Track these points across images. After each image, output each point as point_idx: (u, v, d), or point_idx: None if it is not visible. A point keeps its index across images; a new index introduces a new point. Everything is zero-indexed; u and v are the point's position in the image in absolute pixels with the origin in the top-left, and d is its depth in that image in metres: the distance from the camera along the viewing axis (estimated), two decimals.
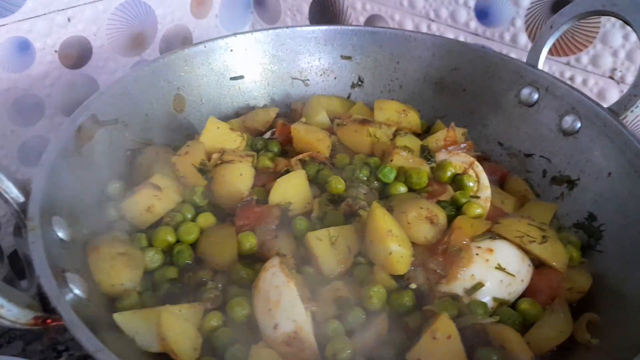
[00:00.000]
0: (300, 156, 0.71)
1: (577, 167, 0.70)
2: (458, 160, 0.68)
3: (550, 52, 0.88)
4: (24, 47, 0.87)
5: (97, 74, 1.00)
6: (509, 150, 0.79)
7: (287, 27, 0.83)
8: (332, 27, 0.85)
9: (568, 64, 0.89)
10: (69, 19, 0.91)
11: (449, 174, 0.66)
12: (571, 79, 0.89)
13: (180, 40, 1.11)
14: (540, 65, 0.78)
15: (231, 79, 0.82)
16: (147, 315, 0.52)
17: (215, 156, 0.69)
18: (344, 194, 0.66)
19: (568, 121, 0.73)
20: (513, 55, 0.94)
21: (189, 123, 0.78)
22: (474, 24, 0.96)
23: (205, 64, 0.79)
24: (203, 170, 0.67)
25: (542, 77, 0.76)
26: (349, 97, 0.88)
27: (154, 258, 0.59)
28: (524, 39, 0.93)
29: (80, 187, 0.63)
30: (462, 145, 0.73)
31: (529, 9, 0.90)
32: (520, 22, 0.91)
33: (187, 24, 1.10)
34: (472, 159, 0.68)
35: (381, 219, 0.57)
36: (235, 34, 0.80)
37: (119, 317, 0.52)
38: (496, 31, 0.94)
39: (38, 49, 0.89)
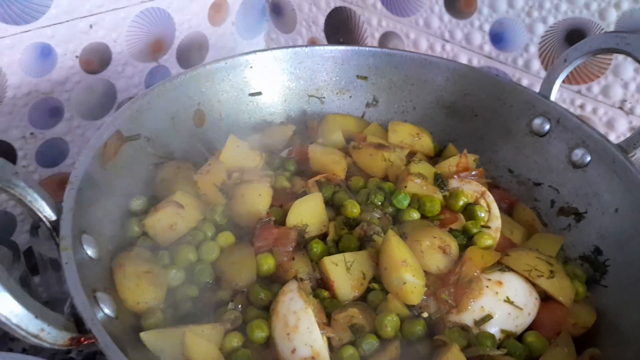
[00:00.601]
0: (317, 177, 0.73)
1: (585, 200, 0.73)
2: (470, 188, 0.71)
3: (562, 80, 0.91)
4: (46, 52, 0.89)
5: (115, 79, 1.01)
6: (518, 177, 0.81)
7: (306, 46, 0.85)
8: (349, 48, 0.86)
9: (579, 92, 0.91)
10: (90, 26, 0.93)
11: (461, 203, 0.69)
12: (582, 107, 0.92)
13: (197, 47, 1.12)
14: (552, 97, 0.80)
15: (250, 95, 0.84)
16: (172, 334, 0.54)
17: (235, 175, 0.71)
18: (358, 218, 0.68)
19: (578, 154, 0.75)
20: (525, 80, 0.96)
21: (208, 137, 0.80)
22: (488, 47, 0.98)
23: (225, 80, 0.81)
24: (223, 189, 0.69)
25: (554, 108, 0.78)
26: (363, 116, 0.90)
27: (176, 276, 0.62)
28: (536, 65, 0.95)
29: (105, 203, 0.65)
30: (473, 172, 0.76)
31: (543, 36, 0.92)
32: (534, 49, 0.94)
33: (203, 31, 1.12)
34: (483, 188, 0.70)
35: (396, 248, 0.60)
36: (255, 52, 0.82)
37: (146, 336, 0.54)
38: (510, 56, 0.96)
39: (60, 54, 0.91)
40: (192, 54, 1.11)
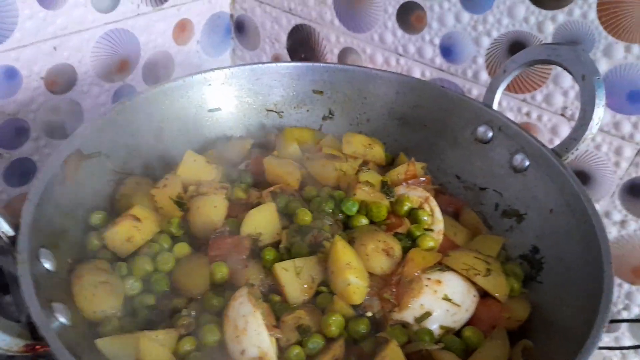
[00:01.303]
0: (272, 188, 0.77)
1: (525, 202, 0.77)
2: (415, 194, 0.75)
3: (508, 88, 0.96)
4: (11, 74, 0.92)
5: (81, 99, 1.04)
6: (465, 183, 0.86)
7: (262, 63, 0.89)
8: (304, 64, 0.91)
9: (524, 100, 0.97)
10: (55, 48, 0.96)
11: (405, 208, 0.73)
12: (527, 114, 0.97)
13: (163, 66, 1.16)
14: (495, 106, 0.85)
15: (209, 110, 0.88)
16: (127, 340, 0.57)
17: (191, 188, 0.74)
18: (310, 225, 0.72)
19: (518, 159, 0.80)
20: (475, 90, 1.01)
21: (168, 154, 0.83)
22: (439, 60, 1.03)
23: (184, 97, 0.85)
24: (180, 202, 0.72)
25: (496, 117, 0.83)
26: (320, 129, 0.94)
27: (133, 286, 0.65)
28: (484, 75, 1.00)
29: (64, 218, 0.68)
30: (422, 179, 0.80)
31: (488, 48, 0.97)
32: (481, 60, 0.99)
33: (169, 50, 1.16)
34: (427, 194, 0.75)
35: (341, 251, 0.63)
36: (213, 69, 0.86)
37: (101, 343, 0.57)
38: (459, 67, 1.02)
39: (25, 76, 0.94)
40: (158, 72, 1.15)
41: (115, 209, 0.74)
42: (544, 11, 0.90)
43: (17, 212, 0.92)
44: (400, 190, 0.75)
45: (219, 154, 0.85)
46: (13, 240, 0.59)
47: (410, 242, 0.70)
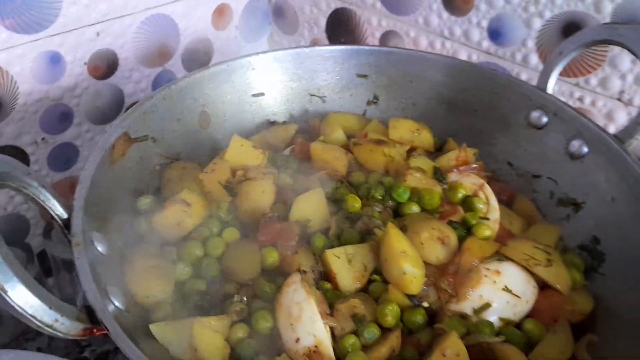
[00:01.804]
0: (319, 174, 0.75)
1: (583, 190, 0.74)
2: (469, 181, 0.72)
3: (560, 72, 0.92)
4: (55, 60, 0.92)
5: (122, 84, 1.04)
6: (517, 170, 0.82)
7: (306, 47, 0.87)
8: (348, 47, 0.88)
9: (577, 85, 0.92)
10: (97, 33, 0.95)
11: (460, 195, 0.70)
12: (580, 99, 0.93)
13: (202, 51, 1.15)
14: (549, 90, 0.82)
15: (252, 95, 0.86)
16: (180, 326, 0.56)
17: (239, 173, 0.73)
18: (359, 212, 0.70)
19: (575, 145, 0.76)
20: (524, 74, 0.97)
21: (213, 138, 0.82)
22: (486, 43, 0.99)
23: (228, 81, 0.84)
24: (228, 187, 0.71)
25: (550, 101, 0.79)
26: (364, 114, 0.92)
27: (183, 271, 0.64)
28: (534, 59, 0.96)
29: (112, 202, 0.67)
30: (473, 166, 0.77)
31: (540, 30, 0.93)
32: (531, 43, 0.95)
33: (208, 35, 1.14)
34: (482, 181, 0.72)
35: (395, 239, 0.61)
36: (257, 53, 0.84)
37: (155, 328, 0.56)
38: (508, 51, 0.98)
39: (68, 61, 0.94)
40: (197, 58, 1.14)
41: (161, 194, 0.73)
42: None
43: (62, 196, 0.93)
44: (453, 177, 0.73)
45: (264, 139, 0.83)
46: (66, 223, 0.59)
47: (465, 230, 0.67)
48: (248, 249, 0.66)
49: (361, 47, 0.88)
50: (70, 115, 0.98)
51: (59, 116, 0.97)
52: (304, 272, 0.62)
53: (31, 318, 0.46)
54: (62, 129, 0.98)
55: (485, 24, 0.99)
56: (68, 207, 0.59)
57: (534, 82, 0.96)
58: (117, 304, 0.54)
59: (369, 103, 0.91)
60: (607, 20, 0.86)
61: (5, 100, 0.88)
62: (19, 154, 0.94)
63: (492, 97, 0.84)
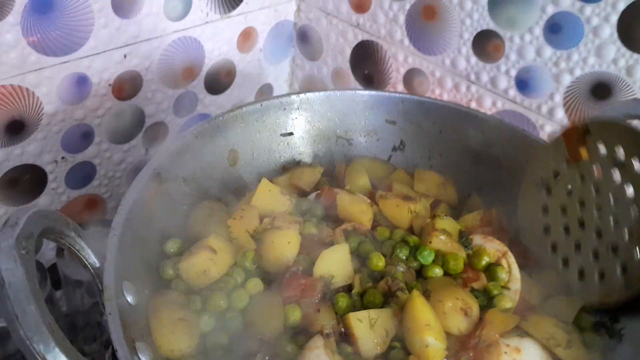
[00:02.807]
0: (344, 226, 0.77)
1: None
2: (492, 247, 0.74)
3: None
4: (82, 81, 0.93)
5: (144, 105, 1.05)
6: None
7: (339, 89, 0.88)
8: (380, 93, 0.90)
9: None
10: (125, 55, 0.96)
11: (484, 262, 0.72)
12: None
13: (225, 73, 1.16)
14: None
15: (281, 135, 0.88)
16: None
17: (266, 221, 0.75)
18: (383, 271, 0.72)
19: None
20: (548, 127, 0.99)
21: (239, 176, 0.84)
22: (512, 92, 1.01)
23: (259, 121, 0.85)
24: (255, 235, 0.73)
25: None
26: (389, 159, 0.94)
27: (207, 322, 0.66)
28: (560, 113, 0.98)
29: (141, 246, 0.69)
30: (497, 229, 0.79)
31: (568, 86, 0.95)
32: (558, 98, 0.97)
33: (232, 57, 1.15)
34: (505, 248, 0.74)
35: (420, 310, 0.63)
36: (289, 94, 0.86)
37: None
38: (534, 102, 1.00)
39: (94, 83, 0.95)
40: (220, 79, 1.15)
41: (188, 235, 0.74)
42: (635, 55, 0.87)
43: (75, 214, 0.94)
44: (477, 240, 0.75)
45: (290, 182, 0.85)
46: (98, 272, 0.60)
47: (486, 300, 0.69)
48: (271, 304, 0.68)
49: (392, 94, 0.90)
50: (91, 135, 1.00)
51: (80, 135, 0.98)
52: (327, 335, 0.63)
53: None
54: (82, 148, 1.00)
55: (513, 73, 1.00)
56: (101, 255, 0.60)
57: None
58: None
59: (394, 149, 0.93)
60: (638, 85, 0.88)
61: (29, 121, 0.89)
62: (39, 173, 0.95)
63: (521, 157, 0.84)
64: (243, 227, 0.73)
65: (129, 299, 0.61)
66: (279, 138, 0.88)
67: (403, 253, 0.73)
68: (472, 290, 0.70)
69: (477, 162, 0.90)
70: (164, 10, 0.97)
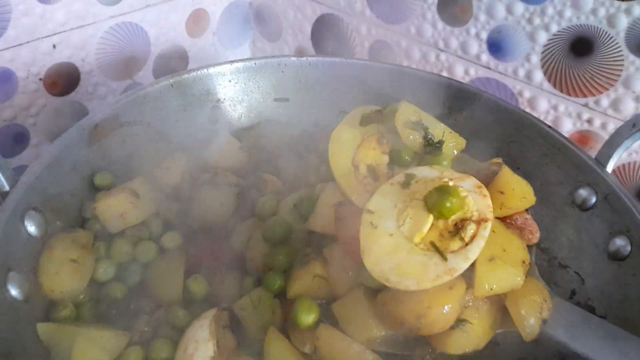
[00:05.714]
0: None
1: (610, 301, 0.67)
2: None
3: (567, 90, 0.85)
4: (6, 77, 0.88)
5: (86, 100, 1.02)
6: (544, 251, 0.75)
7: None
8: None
9: (586, 105, 0.93)
10: (54, 46, 0.91)
11: None
12: (589, 121, 0.90)
13: (176, 60, 1.10)
14: (609, 168, 0.72)
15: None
16: (68, 333, 0.58)
17: (206, 176, 0.76)
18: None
19: (617, 243, 0.67)
20: (526, 92, 0.94)
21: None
22: (485, 56, 0.96)
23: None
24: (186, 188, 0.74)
25: (605, 181, 0.70)
26: None
27: (106, 271, 0.67)
28: (539, 76, 0.93)
29: (78, 180, 0.68)
30: None
31: (545, 45, 0.89)
32: (536, 59, 0.91)
33: (182, 43, 1.11)
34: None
35: None
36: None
37: (41, 327, 0.59)
38: (509, 66, 0.94)
39: (21, 78, 0.91)
40: (170, 67, 1.08)
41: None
42: (616, 2, 0.78)
43: None
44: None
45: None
46: (4, 196, 0.63)
47: None
48: (173, 267, 0.66)
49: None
50: (25, 136, 0.93)
51: (13, 137, 0.92)
52: (224, 309, 0.63)
53: None
54: (18, 151, 0.94)
55: (484, 35, 0.95)
56: (13, 180, 0.62)
57: (539, 102, 0.89)
58: (12, 292, 0.57)
59: None
60: (621, 36, 0.79)
61: None
62: None
63: (539, 159, 0.77)
64: (176, 176, 0.73)
65: (31, 229, 0.63)
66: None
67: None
68: None
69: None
70: None
